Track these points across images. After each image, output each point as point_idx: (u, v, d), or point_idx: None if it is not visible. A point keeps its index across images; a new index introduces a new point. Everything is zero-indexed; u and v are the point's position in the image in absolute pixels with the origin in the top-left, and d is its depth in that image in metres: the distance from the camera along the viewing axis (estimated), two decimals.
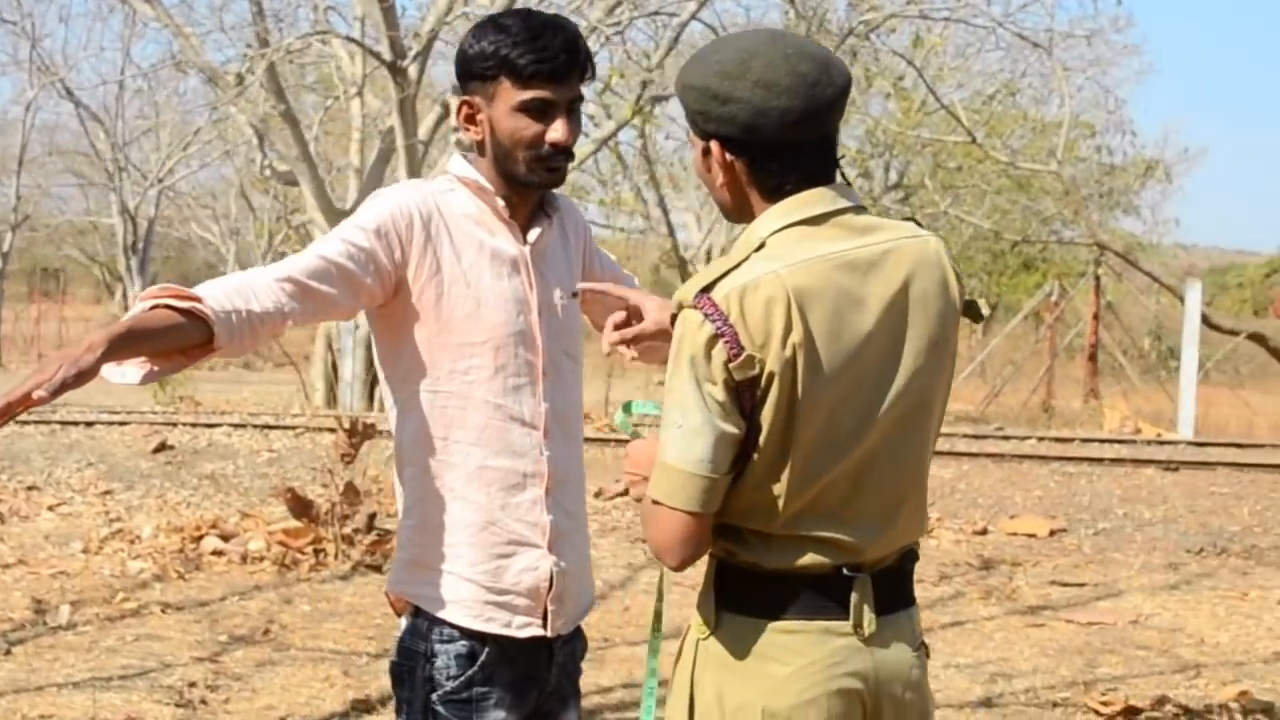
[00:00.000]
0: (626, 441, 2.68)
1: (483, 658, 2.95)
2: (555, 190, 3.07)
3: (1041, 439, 14.95)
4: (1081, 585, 9.35)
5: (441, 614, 2.96)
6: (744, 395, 2.34)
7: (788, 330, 2.33)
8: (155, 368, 2.61)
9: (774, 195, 2.45)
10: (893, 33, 20.08)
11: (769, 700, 2.42)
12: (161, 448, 12.84)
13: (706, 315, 2.33)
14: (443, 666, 2.95)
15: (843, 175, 2.51)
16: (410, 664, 2.99)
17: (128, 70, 30.84)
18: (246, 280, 2.75)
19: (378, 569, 9.02)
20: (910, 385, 2.45)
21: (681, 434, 2.35)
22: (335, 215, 17.95)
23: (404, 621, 3.03)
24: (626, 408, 2.88)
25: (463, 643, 2.95)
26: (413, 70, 16.43)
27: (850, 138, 25.02)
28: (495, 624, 2.96)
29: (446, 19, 16.44)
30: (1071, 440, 14.95)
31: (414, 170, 16.82)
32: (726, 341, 2.32)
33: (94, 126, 34.15)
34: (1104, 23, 25.76)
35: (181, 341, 2.62)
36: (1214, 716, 6.41)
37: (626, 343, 3.00)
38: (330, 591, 8.54)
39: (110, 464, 12.40)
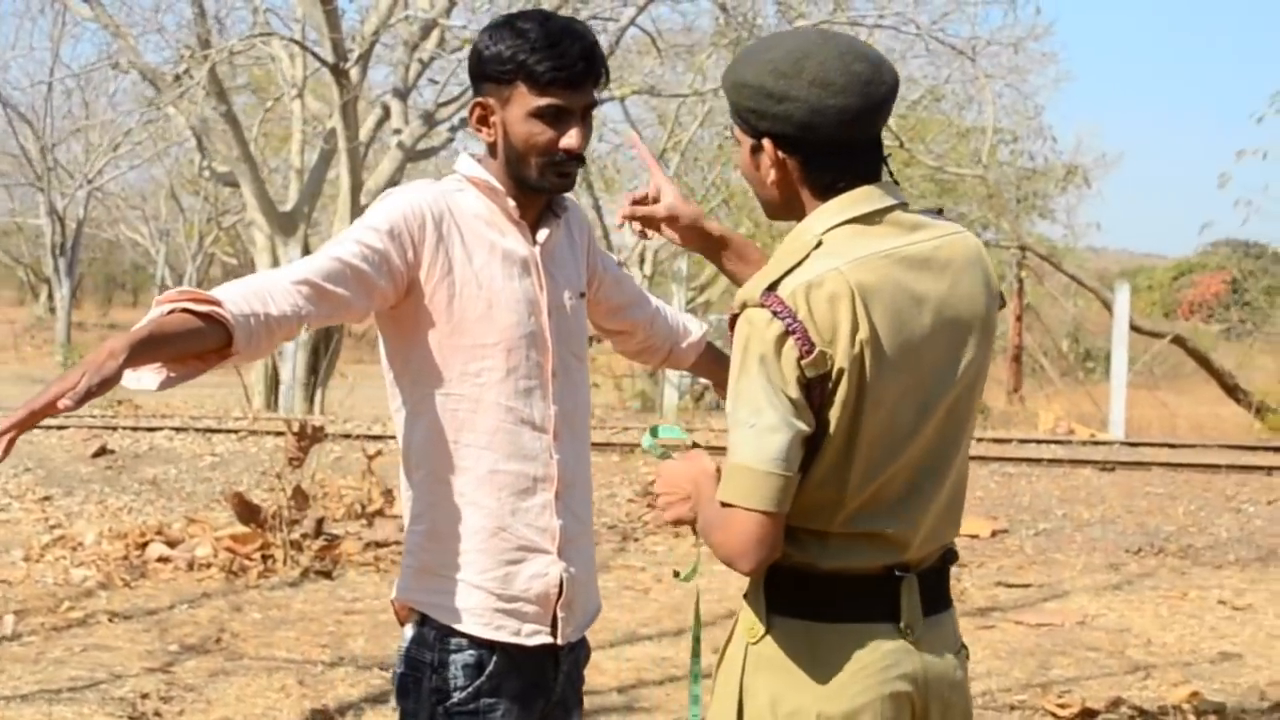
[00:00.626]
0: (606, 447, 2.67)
1: (490, 667, 2.93)
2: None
3: (980, 440, 15.05)
4: (1027, 586, 9.44)
5: (451, 622, 2.93)
6: (814, 392, 2.35)
7: (854, 326, 2.35)
8: (171, 373, 2.56)
9: (825, 193, 2.48)
10: None
11: (824, 705, 2.42)
12: (101, 452, 12.69)
13: (775, 313, 2.34)
14: (450, 676, 2.92)
15: (889, 173, 2.54)
16: (417, 674, 2.95)
17: (57, 70, 30.48)
18: (263, 283, 2.71)
19: (328, 575, 8.94)
20: (961, 380, 2.48)
21: (755, 433, 2.33)
22: (276, 216, 17.84)
23: (409, 630, 2.99)
24: (653, 431, 2.87)
25: (471, 652, 2.92)
26: (354, 73, 16.34)
27: None
28: (505, 632, 2.94)
29: (388, 22, 16.37)
30: (1009, 441, 15.08)
31: (356, 172, 16.74)
32: (797, 338, 2.33)
33: (21, 127, 33.74)
34: (1023, 31, 26.13)
35: (200, 346, 2.57)
36: (1168, 718, 6.46)
37: (637, 219, 3.05)
38: (280, 599, 8.45)
39: (49, 469, 12.22)
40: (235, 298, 2.62)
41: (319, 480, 10.16)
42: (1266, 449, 14.96)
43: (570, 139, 2.89)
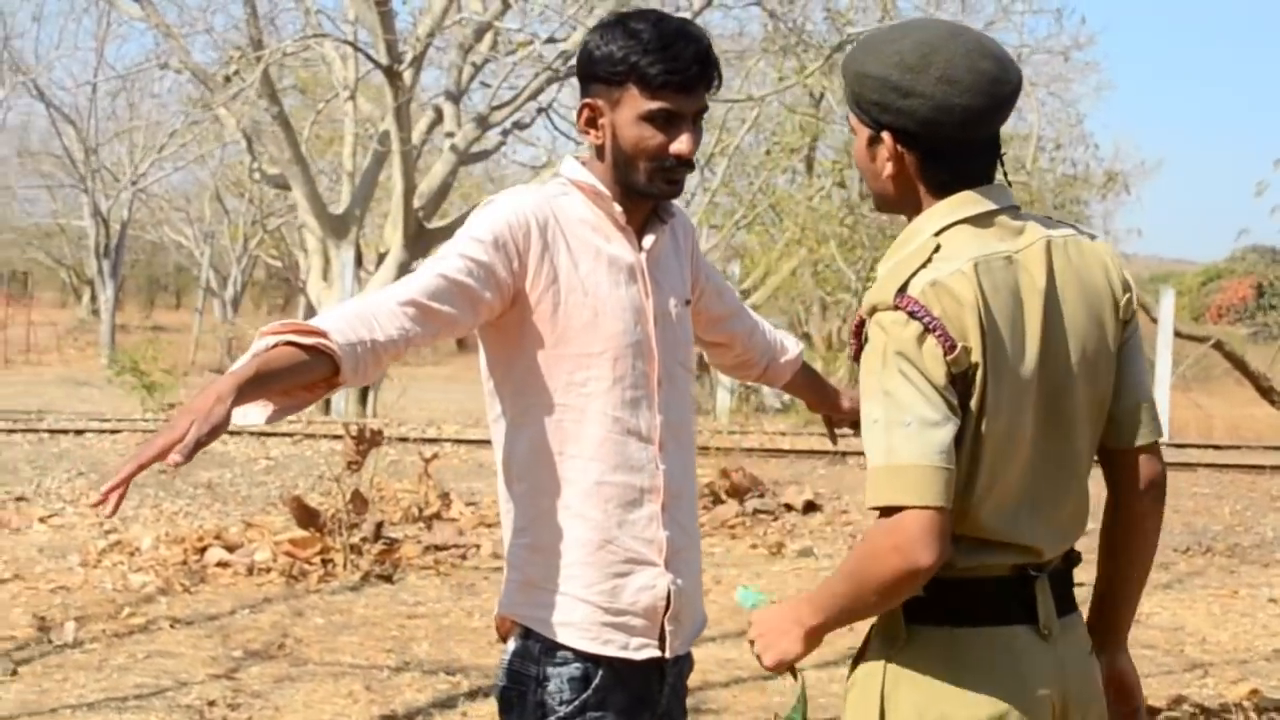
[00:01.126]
0: None
1: (596, 680, 2.85)
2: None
3: None
4: (1081, 585, 9.28)
5: (557, 637, 2.85)
6: (956, 389, 2.33)
7: (981, 326, 2.32)
8: (278, 406, 2.50)
9: (942, 191, 2.44)
10: None
11: (970, 710, 2.39)
12: None
13: (912, 313, 2.31)
14: (555, 690, 2.84)
15: (1004, 174, 2.52)
16: (521, 688, 2.87)
17: (101, 71, 30.59)
18: (368, 306, 2.64)
19: (388, 579, 8.85)
20: (1077, 384, 2.45)
21: (914, 431, 2.29)
22: (328, 218, 17.78)
23: (512, 643, 2.91)
24: (745, 594, 2.79)
25: (576, 665, 2.85)
26: (408, 75, 16.28)
27: (829, 148, 25.06)
28: (613, 646, 2.86)
29: (442, 25, 16.30)
30: None
31: (409, 175, 16.68)
32: (939, 335, 2.30)
33: (65, 128, 33.87)
34: (1068, 40, 26.11)
35: (307, 378, 2.51)
36: (1230, 715, 6.38)
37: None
38: (342, 603, 8.36)
39: (102, 473, 12.17)
40: (341, 325, 2.55)
41: (375, 484, 10.05)
42: None
43: (681, 144, 2.83)
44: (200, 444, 2.30)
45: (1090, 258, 2.51)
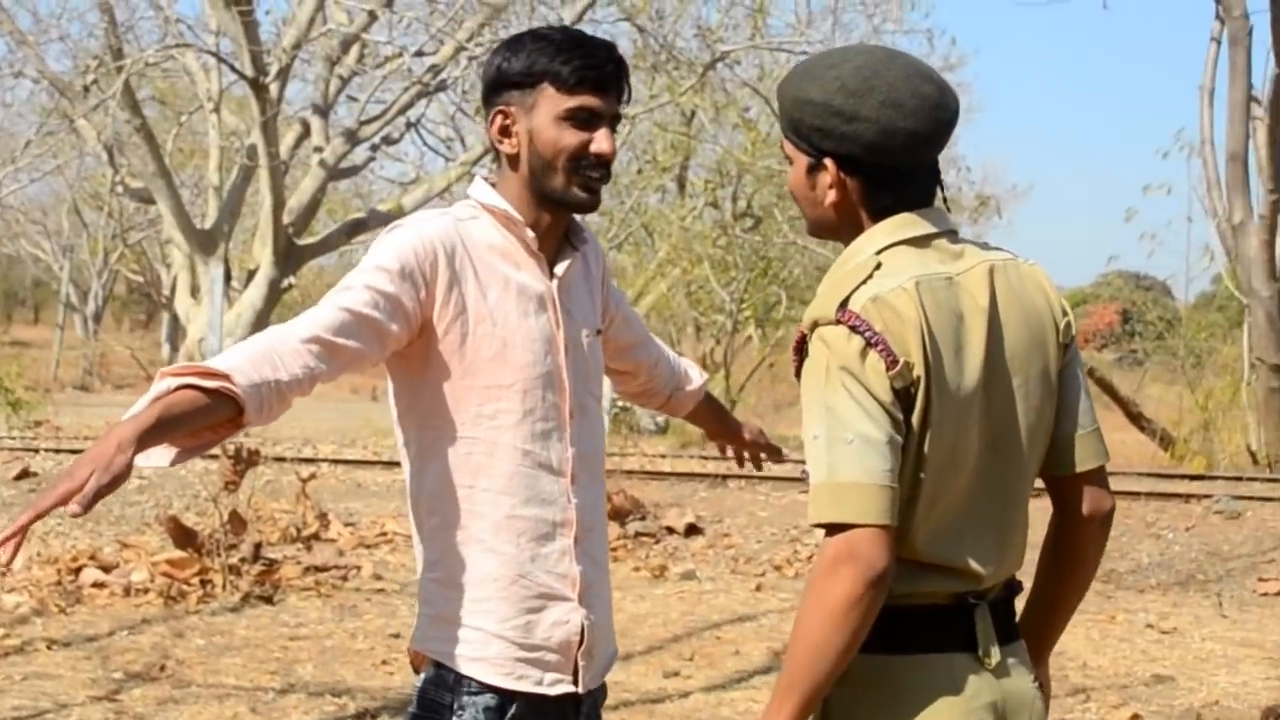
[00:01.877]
0: None
1: (512, 711, 2.83)
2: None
3: None
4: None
5: (471, 673, 2.82)
6: (900, 405, 2.30)
7: (923, 342, 2.30)
8: (180, 449, 2.46)
9: (882, 216, 2.43)
10: (738, 63, 20.36)
11: None
12: (24, 474, 12.42)
13: (853, 328, 2.29)
14: (470, 719, 2.83)
15: (944, 198, 2.50)
16: (435, 716, 2.84)
17: None
18: (271, 345, 2.58)
19: (268, 600, 8.81)
20: (1016, 409, 2.43)
21: (856, 448, 2.26)
22: (195, 234, 17.55)
23: (426, 673, 2.88)
24: None
25: (491, 695, 2.82)
26: (273, 88, 16.14)
27: (700, 167, 25.24)
28: (527, 682, 2.83)
29: (309, 36, 16.19)
30: None
31: (278, 190, 16.52)
32: (881, 350, 2.28)
33: None
34: (940, 62, 26.56)
35: (210, 421, 2.46)
36: None
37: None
38: (223, 624, 8.31)
39: None
40: (244, 365, 2.50)
41: (253, 504, 9.98)
42: (1182, 477, 15.42)
43: (601, 143, 2.78)
44: (100, 494, 2.26)
45: (1029, 282, 2.49)
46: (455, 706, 2.82)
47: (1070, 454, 2.55)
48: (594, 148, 2.78)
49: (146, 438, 2.33)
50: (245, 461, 9.33)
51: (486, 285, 2.80)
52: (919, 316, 2.30)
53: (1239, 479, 15.66)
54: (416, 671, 2.92)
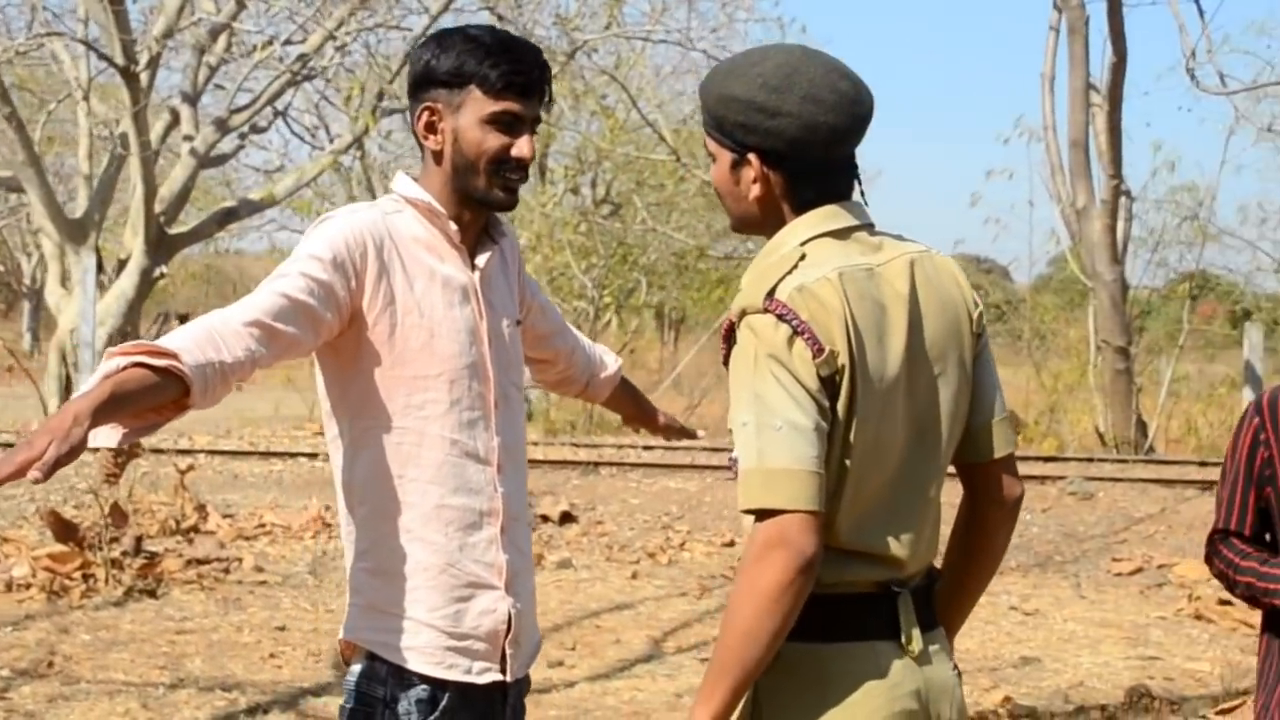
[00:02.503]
0: None
1: (444, 702, 2.89)
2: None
3: None
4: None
5: (402, 662, 2.88)
6: (826, 393, 2.35)
7: (847, 332, 2.36)
8: (127, 429, 2.51)
9: (805, 208, 2.50)
10: (595, 51, 20.50)
11: None
12: None
13: (780, 316, 2.35)
14: (404, 712, 2.88)
15: (861, 193, 2.57)
16: (368, 709, 2.89)
17: None
18: (214, 327, 2.63)
19: (152, 594, 8.80)
20: (936, 398, 2.50)
21: (785, 435, 2.30)
22: (65, 223, 17.33)
23: (358, 665, 2.92)
24: None
25: (423, 688, 2.88)
26: (144, 77, 15.99)
27: (561, 154, 25.30)
28: (456, 670, 2.90)
29: (179, 25, 16.07)
30: None
31: (149, 180, 16.37)
32: (807, 339, 2.33)
33: None
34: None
35: (158, 400, 2.51)
36: None
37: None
38: (108, 619, 8.30)
39: None
40: (189, 346, 2.55)
41: (136, 498, 9.98)
42: (1038, 459, 15.76)
43: (521, 147, 2.88)
44: (59, 463, 2.29)
45: (944, 273, 2.56)
46: (388, 699, 2.89)
47: (986, 442, 2.62)
48: (514, 152, 2.87)
49: (99, 414, 2.37)
50: (126, 454, 9.34)
51: (413, 276, 2.88)
52: (843, 306, 2.36)
53: (1090, 460, 16.14)
54: (346, 663, 2.97)
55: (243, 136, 18.97)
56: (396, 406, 2.87)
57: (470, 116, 2.87)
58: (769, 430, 2.31)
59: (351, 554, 2.97)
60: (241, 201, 19.18)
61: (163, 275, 18.02)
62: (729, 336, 2.43)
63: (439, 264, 2.92)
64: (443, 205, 2.93)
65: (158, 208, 16.92)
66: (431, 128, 2.91)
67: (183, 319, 26.36)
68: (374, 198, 22.27)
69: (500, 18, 17.85)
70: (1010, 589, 9.99)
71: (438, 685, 2.91)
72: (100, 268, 17.12)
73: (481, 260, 2.98)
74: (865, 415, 2.39)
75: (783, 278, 2.39)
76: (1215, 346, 25.37)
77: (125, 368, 2.46)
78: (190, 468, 11.00)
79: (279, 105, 19.01)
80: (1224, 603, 9.20)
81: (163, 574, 9.12)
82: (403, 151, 23.15)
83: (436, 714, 2.90)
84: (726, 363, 2.44)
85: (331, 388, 2.93)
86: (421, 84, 2.91)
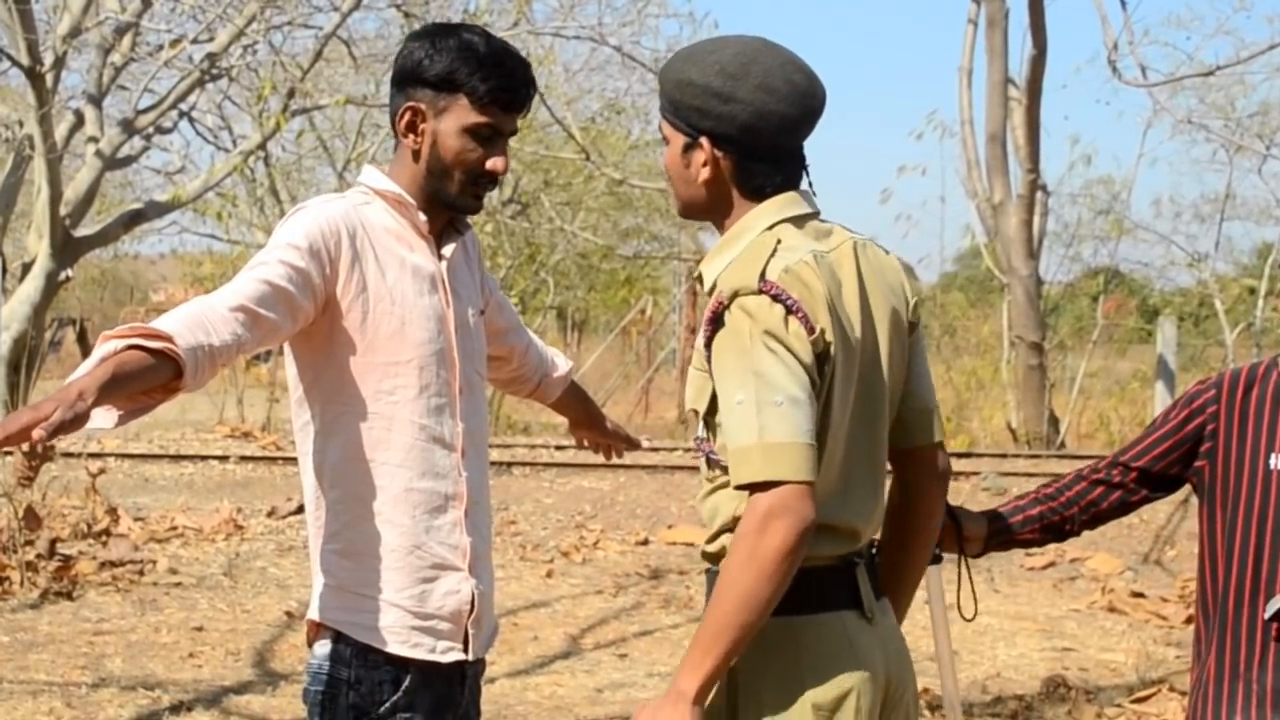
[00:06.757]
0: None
1: (406, 683, 2.97)
2: None
3: (688, 450, 15.57)
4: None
5: (369, 641, 2.95)
6: (816, 370, 2.43)
7: (828, 313, 2.45)
8: (121, 411, 2.55)
9: (756, 195, 2.58)
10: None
11: (816, 695, 2.50)
12: None
13: (775, 296, 2.41)
14: (368, 693, 2.96)
15: (809, 182, 2.66)
16: (333, 690, 2.96)
17: None
18: (202, 312, 2.68)
19: (68, 596, 8.74)
20: (883, 379, 2.61)
21: (783, 410, 2.37)
22: None
23: (322, 647, 2.99)
24: None
25: (387, 668, 2.96)
26: (49, 77, 15.83)
27: None
28: (421, 649, 2.98)
29: (84, 23, 15.91)
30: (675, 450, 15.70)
31: (55, 183, 16.18)
32: (801, 317, 2.41)
33: None
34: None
35: (153, 382, 2.56)
36: None
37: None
38: (25, 621, 8.23)
39: None
40: (181, 330, 2.59)
41: (50, 500, 9.94)
42: (950, 455, 15.87)
43: (497, 162, 2.95)
44: (63, 428, 2.34)
45: (885, 262, 2.66)
46: (352, 680, 2.96)
47: (928, 426, 2.74)
48: (490, 164, 2.95)
49: (104, 391, 2.42)
50: (40, 456, 9.29)
51: (385, 265, 2.95)
52: (824, 288, 2.46)
53: (1003, 456, 16.39)
54: (310, 645, 3.03)
55: (148, 138, 18.81)
56: (368, 392, 2.93)
57: (452, 123, 2.93)
58: (769, 406, 2.37)
59: (320, 537, 3.03)
60: (148, 203, 18.98)
61: (68, 278, 17.84)
62: (715, 320, 2.47)
63: (408, 253, 2.99)
64: (413, 197, 2.99)
65: (63, 210, 16.75)
66: (412, 127, 2.97)
67: (77, 324, 26.00)
68: (279, 200, 22.40)
69: (408, 15, 17.80)
70: (924, 583, 10.11)
71: (401, 666, 2.98)
72: (3, 271, 16.91)
73: (448, 250, 3.06)
74: (843, 391, 2.49)
75: (769, 260, 2.46)
76: (1125, 341, 25.74)
77: (122, 350, 2.52)
78: (101, 471, 10.93)
79: (184, 106, 18.86)
80: (1136, 595, 9.43)
81: (78, 576, 9.07)
82: (304, 152, 22.91)
83: (399, 694, 2.98)
84: (709, 346, 2.48)
85: (304, 374, 2.99)
86: (409, 80, 2.96)
